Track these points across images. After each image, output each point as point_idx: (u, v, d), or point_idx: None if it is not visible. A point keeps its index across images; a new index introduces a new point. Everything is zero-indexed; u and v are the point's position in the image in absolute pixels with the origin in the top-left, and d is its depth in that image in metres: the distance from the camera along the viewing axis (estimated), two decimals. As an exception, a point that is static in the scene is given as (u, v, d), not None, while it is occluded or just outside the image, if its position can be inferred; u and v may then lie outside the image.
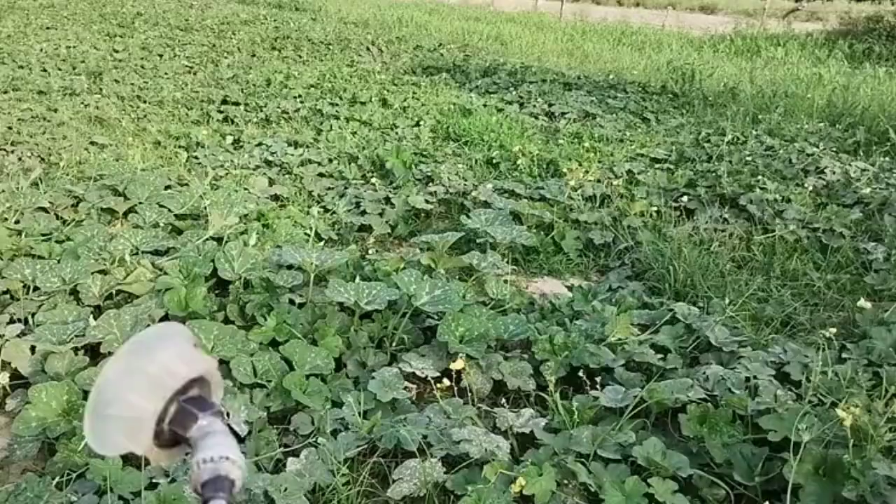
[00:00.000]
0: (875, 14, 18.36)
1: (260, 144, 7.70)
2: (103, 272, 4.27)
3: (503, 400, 3.57)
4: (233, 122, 8.87)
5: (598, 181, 6.50)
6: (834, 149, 7.79)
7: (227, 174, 6.69)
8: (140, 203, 5.43)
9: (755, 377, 3.38)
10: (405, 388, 3.49)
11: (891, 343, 3.78)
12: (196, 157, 7.23)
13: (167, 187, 5.93)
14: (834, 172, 6.79)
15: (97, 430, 0.96)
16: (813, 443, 2.80)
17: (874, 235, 5.58)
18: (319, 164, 7.15)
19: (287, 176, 6.84)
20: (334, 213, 5.94)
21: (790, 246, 5.40)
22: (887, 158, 7.54)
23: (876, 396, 3.13)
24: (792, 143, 7.92)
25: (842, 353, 3.79)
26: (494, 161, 7.42)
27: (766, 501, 2.70)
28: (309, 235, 5.19)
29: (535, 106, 10.06)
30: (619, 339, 3.86)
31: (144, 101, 9.49)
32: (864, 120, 8.89)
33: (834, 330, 3.66)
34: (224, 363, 3.54)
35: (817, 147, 7.67)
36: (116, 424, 0.96)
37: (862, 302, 3.93)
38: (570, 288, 4.89)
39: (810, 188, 6.37)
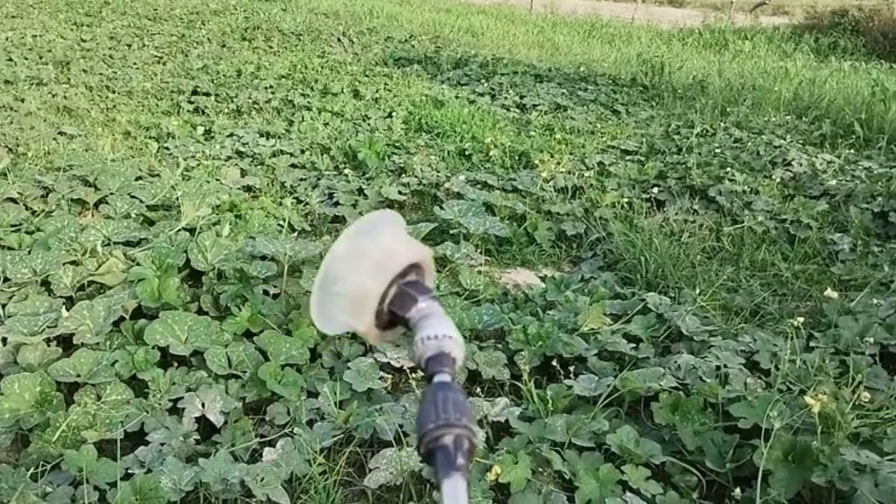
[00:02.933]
0: (840, 8, 18.61)
1: (231, 135, 7.65)
2: (75, 263, 4.23)
3: (478, 389, 3.59)
4: (203, 112, 8.80)
5: (570, 173, 6.55)
6: (801, 141, 7.91)
7: (198, 165, 6.64)
8: (111, 194, 5.38)
9: (725, 366, 3.43)
10: (380, 378, 3.50)
11: (857, 332, 3.86)
12: (167, 148, 7.17)
13: (138, 178, 5.88)
14: (801, 164, 6.89)
15: (324, 307, 1.01)
16: (782, 430, 2.86)
17: (840, 226, 5.68)
18: (291, 154, 7.11)
19: (259, 167, 6.80)
20: (307, 204, 5.92)
21: (758, 237, 5.48)
22: (852, 151, 7.69)
23: (843, 384, 3.21)
24: (760, 136, 8.03)
25: (809, 342, 3.86)
26: (467, 152, 7.43)
27: (737, 487, 2.76)
28: (282, 226, 5.18)
29: (506, 98, 10.07)
30: (592, 329, 3.90)
31: (113, 92, 9.37)
32: (829, 113, 9.03)
33: (802, 319, 3.72)
34: (198, 354, 3.54)
35: (784, 139, 7.78)
36: (342, 302, 0.99)
37: (829, 292, 4.00)
38: (542, 278, 4.93)
39: (778, 180, 6.47)
